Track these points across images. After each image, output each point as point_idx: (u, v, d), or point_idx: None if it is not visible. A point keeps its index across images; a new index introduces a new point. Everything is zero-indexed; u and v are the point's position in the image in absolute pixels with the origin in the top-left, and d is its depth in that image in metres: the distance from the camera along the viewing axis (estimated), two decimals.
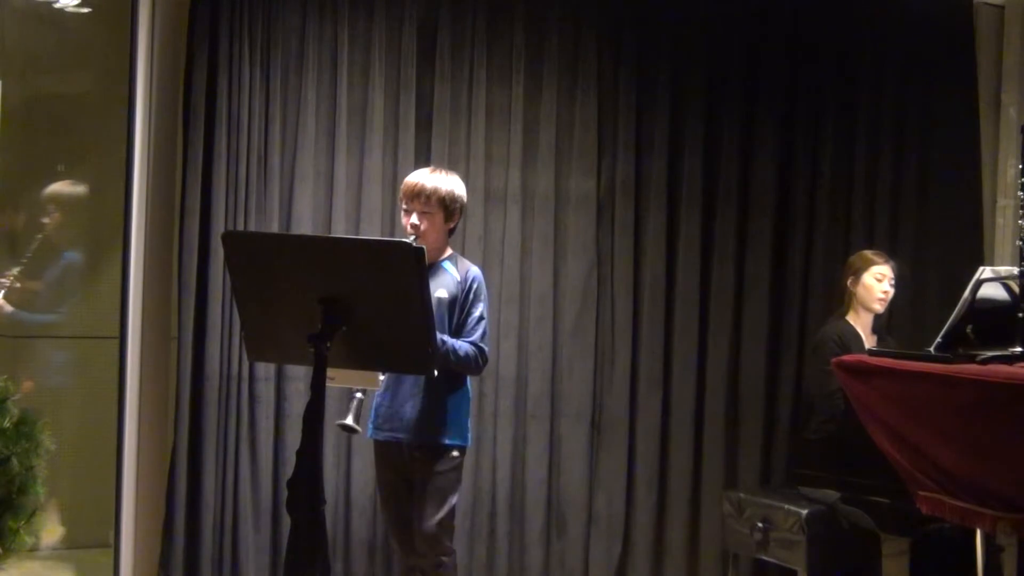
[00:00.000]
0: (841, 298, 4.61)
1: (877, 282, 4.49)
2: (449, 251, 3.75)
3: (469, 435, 3.77)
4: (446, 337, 3.56)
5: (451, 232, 3.75)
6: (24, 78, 4.96)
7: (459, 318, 3.65)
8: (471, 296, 3.67)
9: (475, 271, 3.73)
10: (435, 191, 3.62)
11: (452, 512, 3.69)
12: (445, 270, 3.69)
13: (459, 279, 3.67)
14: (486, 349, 3.67)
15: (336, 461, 4.36)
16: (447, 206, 3.64)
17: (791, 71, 4.97)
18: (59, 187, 4.93)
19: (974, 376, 3.17)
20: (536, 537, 4.62)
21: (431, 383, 3.59)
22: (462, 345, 3.59)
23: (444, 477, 3.65)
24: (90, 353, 4.98)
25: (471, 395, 3.80)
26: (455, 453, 3.67)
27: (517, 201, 4.61)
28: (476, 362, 3.62)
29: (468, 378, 3.75)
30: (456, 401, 3.67)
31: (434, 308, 3.50)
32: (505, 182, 4.61)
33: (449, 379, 3.61)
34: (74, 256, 5.04)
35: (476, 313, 3.66)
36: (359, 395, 3.53)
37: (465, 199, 3.76)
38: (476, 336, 3.63)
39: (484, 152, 4.58)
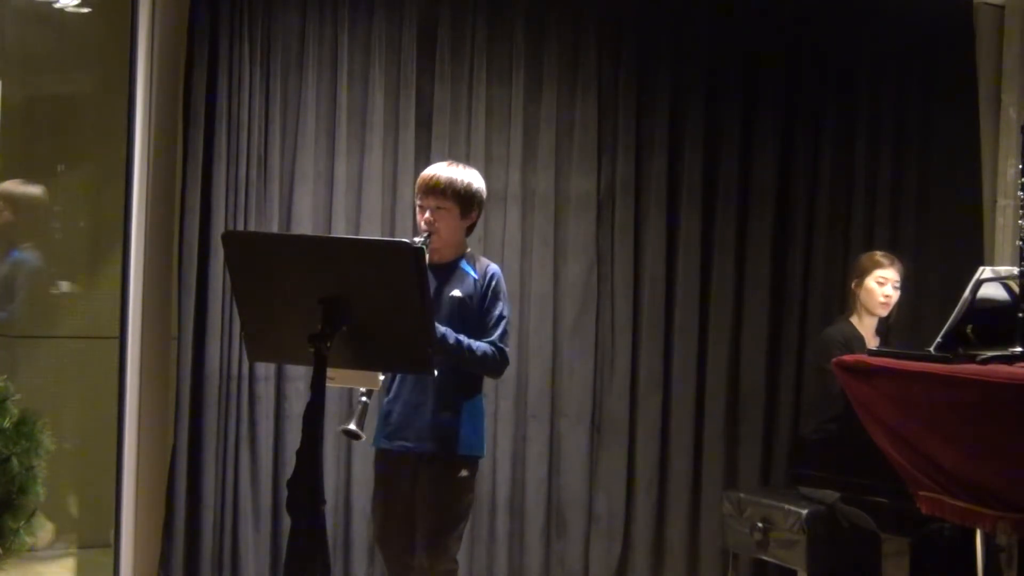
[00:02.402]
0: (846, 300, 4.60)
1: (879, 286, 4.47)
2: (467, 249, 3.56)
3: (484, 445, 3.59)
4: (462, 337, 3.35)
5: (469, 230, 3.55)
6: (24, 78, 4.95)
7: (478, 318, 3.44)
8: (490, 294, 3.45)
9: (494, 268, 3.53)
10: (451, 183, 3.41)
11: (461, 534, 3.50)
12: (463, 269, 3.49)
13: (477, 277, 3.47)
14: (506, 349, 3.46)
15: (337, 461, 4.35)
16: (463, 200, 3.43)
17: (791, 71, 4.97)
18: (9, 186, 4.78)
19: (974, 376, 3.16)
20: (536, 537, 4.62)
21: (446, 390, 3.39)
22: (480, 345, 3.38)
23: (458, 495, 3.44)
24: (90, 353, 4.97)
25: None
26: (464, 472, 3.45)
27: (517, 201, 4.61)
28: (495, 361, 3.41)
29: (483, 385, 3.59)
30: (472, 409, 3.47)
31: (450, 308, 3.40)
32: (505, 182, 4.61)
33: (465, 385, 3.44)
34: (22, 255, 4.86)
35: (496, 312, 3.44)
36: (364, 399, 3.33)
37: (484, 194, 3.53)
38: (495, 335, 3.42)
39: (484, 152, 4.57)
